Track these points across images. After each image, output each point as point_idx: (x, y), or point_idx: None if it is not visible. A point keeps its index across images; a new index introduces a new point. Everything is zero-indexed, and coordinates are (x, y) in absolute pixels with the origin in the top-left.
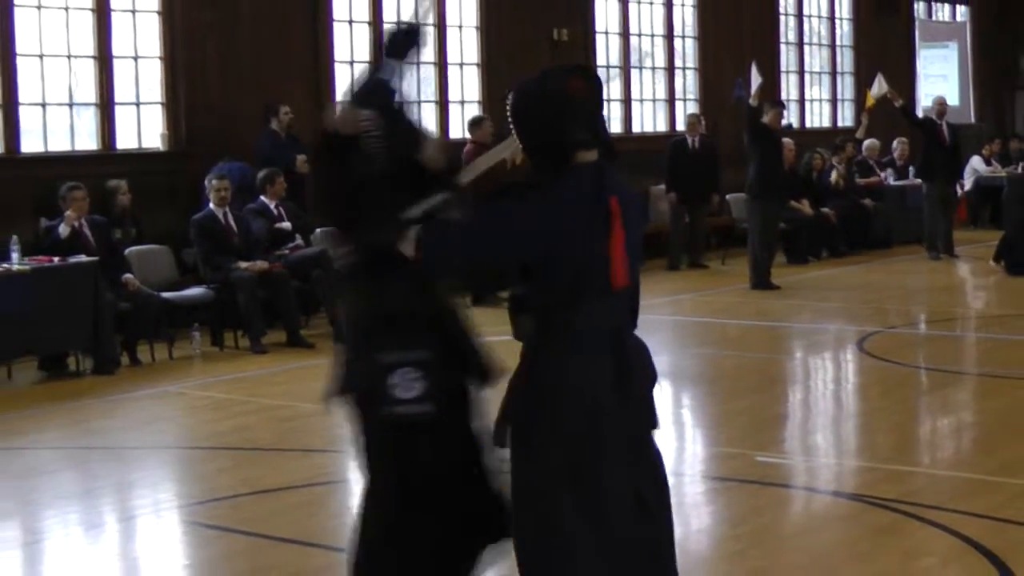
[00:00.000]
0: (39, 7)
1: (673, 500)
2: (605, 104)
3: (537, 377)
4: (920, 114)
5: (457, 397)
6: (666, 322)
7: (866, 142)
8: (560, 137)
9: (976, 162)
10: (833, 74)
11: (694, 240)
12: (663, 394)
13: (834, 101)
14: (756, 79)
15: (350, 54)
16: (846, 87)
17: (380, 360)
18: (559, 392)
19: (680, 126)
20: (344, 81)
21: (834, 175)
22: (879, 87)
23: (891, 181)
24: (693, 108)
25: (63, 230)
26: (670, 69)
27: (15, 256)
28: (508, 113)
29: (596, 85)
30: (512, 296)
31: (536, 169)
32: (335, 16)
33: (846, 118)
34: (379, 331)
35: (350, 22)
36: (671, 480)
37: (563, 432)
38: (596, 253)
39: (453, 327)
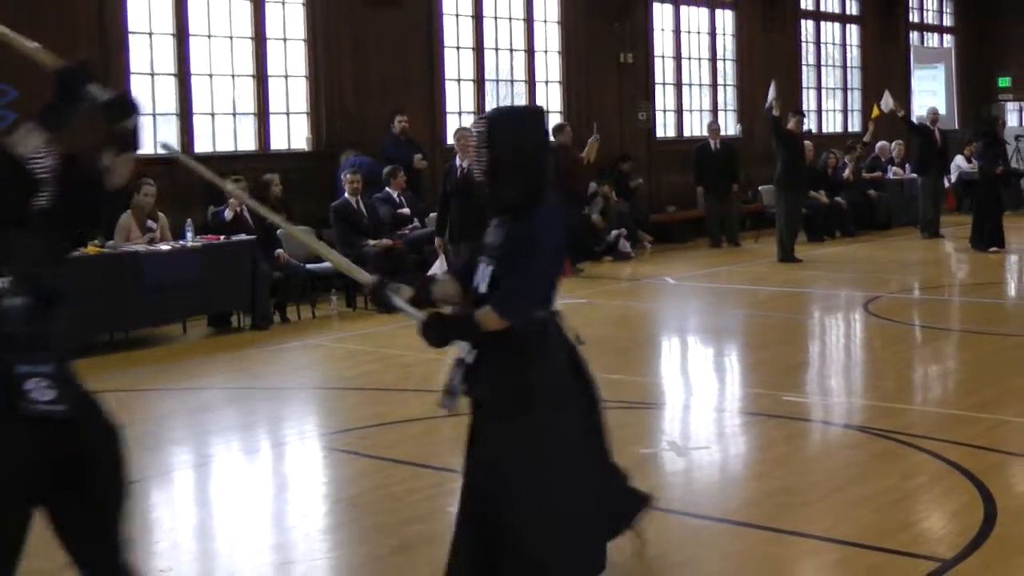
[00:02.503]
0: (209, 36)
1: (714, 431)
2: (659, 114)
3: (534, 350)
4: (915, 122)
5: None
6: (708, 289)
7: (879, 144)
8: (544, 162)
9: (959, 160)
10: (845, 90)
11: (728, 223)
12: (708, 346)
13: (845, 111)
14: (772, 93)
15: (457, 73)
16: (855, 100)
17: (18, 370)
18: (550, 356)
19: (723, 132)
20: (453, 95)
21: (847, 171)
22: (887, 102)
23: (891, 176)
24: (732, 118)
25: (227, 214)
26: (713, 86)
27: (189, 235)
28: (486, 137)
29: None
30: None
31: (507, 188)
32: (445, 42)
33: (855, 125)
34: (16, 347)
35: (457, 48)
36: (714, 416)
37: (553, 386)
38: None
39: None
